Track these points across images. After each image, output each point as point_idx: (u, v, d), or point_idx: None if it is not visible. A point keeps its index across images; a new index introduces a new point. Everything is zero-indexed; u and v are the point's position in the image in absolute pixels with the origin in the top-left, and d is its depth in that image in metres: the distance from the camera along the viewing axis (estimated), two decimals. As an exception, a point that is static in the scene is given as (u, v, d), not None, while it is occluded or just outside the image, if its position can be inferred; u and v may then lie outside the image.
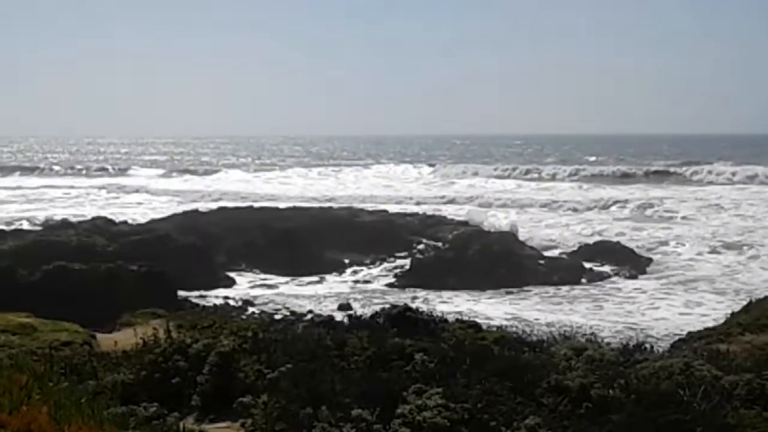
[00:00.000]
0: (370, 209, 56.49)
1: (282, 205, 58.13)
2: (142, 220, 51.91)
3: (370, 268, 40.78)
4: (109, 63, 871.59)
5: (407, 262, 40.32)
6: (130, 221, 48.39)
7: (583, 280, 36.82)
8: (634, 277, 37.36)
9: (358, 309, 28.66)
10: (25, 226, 51.34)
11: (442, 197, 72.50)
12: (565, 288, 35.34)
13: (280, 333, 13.13)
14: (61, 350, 13.15)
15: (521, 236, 45.69)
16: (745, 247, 42.97)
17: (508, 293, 34.62)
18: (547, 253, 42.11)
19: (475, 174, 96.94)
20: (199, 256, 37.44)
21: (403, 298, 31.86)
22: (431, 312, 16.04)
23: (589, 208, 62.63)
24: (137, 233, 39.57)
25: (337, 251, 41.89)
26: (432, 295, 34.42)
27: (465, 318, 19.05)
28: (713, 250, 42.73)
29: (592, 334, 15.32)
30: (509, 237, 44.18)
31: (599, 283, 36.43)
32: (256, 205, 59.19)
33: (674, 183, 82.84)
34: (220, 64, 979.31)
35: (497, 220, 51.88)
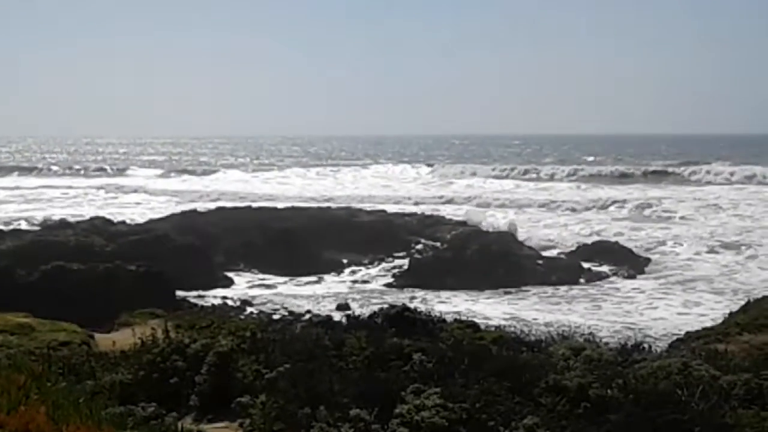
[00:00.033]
0: (368, 209, 56.47)
1: (280, 205, 58.10)
2: (141, 220, 51.90)
3: (368, 268, 40.79)
4: (108, 63, 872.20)
5: (405, 262, 40.33)
6: (128, 221, 48.33)
7: (582, 280, 36.84)
8: (632, 277, 37.38)
9: (357, 309, 28.67)
10: (24, 226, 51.27)
11: (441, 197, 72.50)
12: (563, 288, 35.36)
13: (279, 333, 13.14)
14: (59, 350, 13.16)
15: (520, 236, 45.72)
16: (743, 247, 43.00)
17: (506, 293, 34.63)
18: (545, 253, 42.12)
19: (474, 174, 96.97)
20: (197, 256, 37.44)
21: (401, 298, 31.86)
22: (429, 312, 16.05)
23: (588, 208, 62.66)
24: (135, 233, 39.55)
25: (336, 251, 41.90)
26: (430, 295, 34.42)
27: (463, 318, 19.08)
28: (711, 250, 42.75)
29: (591, 333, 15.36)
30: (507, 237, 44.19)
31: (597, 283, 36.45)
32: (255, 205, 59.17)
33: (672, 183, 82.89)
34: (220, 64, 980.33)
35: (496, 220, 51.91)
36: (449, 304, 32.42)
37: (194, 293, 33.56)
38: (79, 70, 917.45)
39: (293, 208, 55.66)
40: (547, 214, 60.54)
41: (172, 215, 51.41)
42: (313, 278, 38.44)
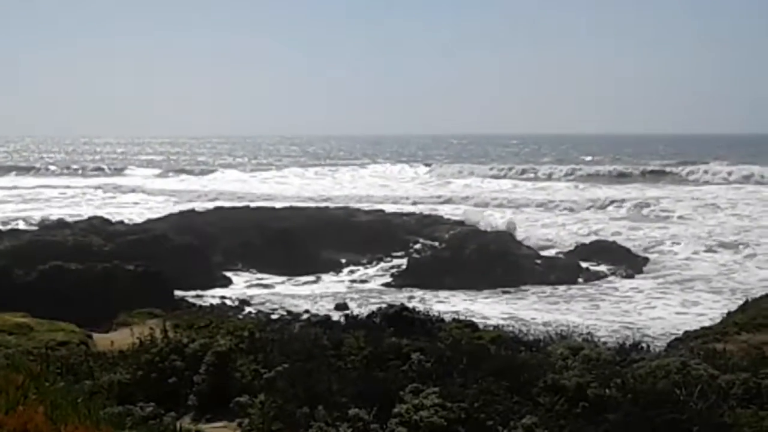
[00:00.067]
0: (366, 209, 56.48)
1: (278, 205, 58.09)
2: (139, 219, 51.88)
3: (366, 268, 40.79)
4: (108, 63, 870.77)
5: (404, 261, 40.34)
6: (126, 221, 48.30)
7: (580, 280, 36.85)
8: (630, 276, 37.40)
9: (355, 309, 28.70)
10: (21, 225, 51.28)
11: (439, 197, 72.49)
12: (561, 287, 35.37)
13: (277, 333, 13.15)
14: (57, 350, 13.15)
15: (518, 236, 45.74)
16: (741, 247, 43.02)
17: (504, 293, 34.64)
18: (543, 253, 42.12)
19: (471, 174, 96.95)
20: (195, 256, 37.43)
21: (399, 297, 31.86)
22: (428, 311, 16.06)
23: (586, 208, 62.70)
24: (134, 233, 39.53)
25: (334, 251, 41.90)
26: (429, 294, 34.43)
27: (462, 317, 19.08)
28: (709, 250, 42.78)
29: (589, 333, 15.36)
30: (506, 236, 44.20)
31: (596, 282, 36.46)
32: (253, 205, 59.15)
33: (670, 182, 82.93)
34: (220, 64, 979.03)
35: (494, 219, 51.91)
36: (447, 303, 32.42)
37: (192, 293, 33.55)
38: (79, 70, 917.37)
39: (291, 208, 55.66)
40: (545, 213, 60.57)
41: (170, 215, 51.39)
42: (312, 278, 38.44)
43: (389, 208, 59.53)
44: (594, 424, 8.31)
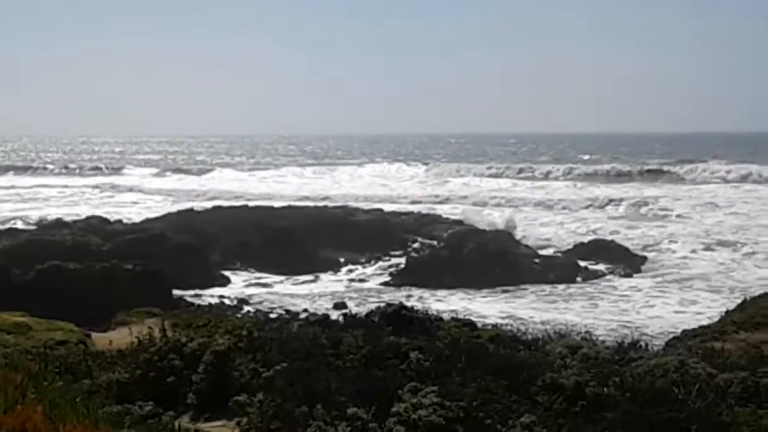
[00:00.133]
0: (365, 208, 56.49)
1: (277, 204, 58.05)
2: (137, 219, 51.83)
3: (365, 267, 40.79)
4: (108, 63, 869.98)
5: (402, 260, 40.35)
6: (124, 220, 48.30)
7: (578, 279, 36.86)
8: (629, 275, 37.41)
9: (353, 308, 28.68)
10: (19, 225, 51.25)
11: (437, 196, 72.50)
12: (560, 286, 35.37)
13: (276, 332, 13.14)
14: (56, 349, 13.15)
15: (516, 235, 45.75)
16: (739, 245, 43.07)
17: (503, 292, 34.64)
18: (542, 252, 42.13)
19: (470, 173, 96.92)
20: (194, 255, 37.41)
21: (398, 296, 31.84)
22: (426, 310, 16.08)
23: (584, 207, 62.72)
24: (132, 232, 39.51)
25: (332, 250, 41.89)
26: (427, 293, 34.44)
27: (460, 316, 19.10)
28: (708, 248, 42.82)
29: (587, 332, 15.37)
30: (504, 236, 44.20)
31: (594, 281, 36.47)
32: (251, 204, 59.14)
33: (669, 181, 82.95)
34: (220, 64, 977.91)
35: (493, 218, 51.92)
36: (446, 302, 32.42)
37: (191, 292, 33.54)
38: (78, 70, 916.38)
39: (290, 207, 55.64)
40: (543, 212, 60.59)
41: (169, 214, 51.38)
42: (310, 277, 38.43)
43: (388, 207, 59.48)
44: (592, 423, 8.31)
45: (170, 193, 79.88)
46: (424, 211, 56.30)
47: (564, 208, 62.67)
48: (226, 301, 33.15)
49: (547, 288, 35.13)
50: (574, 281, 36.48)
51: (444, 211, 58.72)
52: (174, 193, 79.66)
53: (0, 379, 6.40)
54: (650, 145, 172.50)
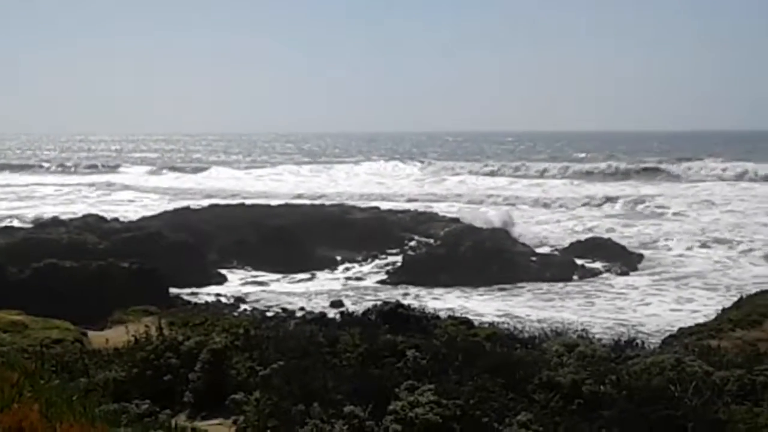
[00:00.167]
0: (361, 206, 56.46)
1: (274, 203, 58.03)
2: (133, 217, 51.75)
3: (361, 265, 40.79)
4: (107, 63, 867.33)
5: (399, 258, 40.37)
6: (121, 218, 48.23)
7: (575, 277, 36.91)
8: (625, 273, 37.46)
9: (350, 306, 28.71)
10: (16, 223, 51.18)
11: (434, 194, 72.53)
12: (557, 284, 35.40)
13: (272, 330, 13.13)
14: (52, 348, 13.12)
15: (513, 232, 45.77)
16: (735, 243, 43.14)
17: (500, 290, 34.67)
18: (538, 250, 42.19)
19: (467, 171, 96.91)
20: (190, 254, 37.39)
21: (395, 294, 31.87)
22: (423, 309, 16.08)
23: (581, 205, 62.80)
24: (128, 230, 39.48)
25: (329, 248, 41.90)
26: (424, 291, 34.46)
27: (457, 315, 19.12)
28: (704, 246, 42.90)
29: (584, 330, 15.36)
30: (501, 234, 44.25)
31: (591, 279, 36.52)
32: (248, 202, 59.15)
33: (665, 179, 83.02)
34: (220, 64, 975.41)
35: (489, 216, 51.92)
36: (443, 300, 32.45)
37: (188, 290, 33.54)
38: (78, 69, 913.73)
39: (286, 206, 55.63)
40: (540, 210, 60.67)
41: (165, 212, 51.37)
42: (307, 275, 38.43)
43: (384, 205, 59.49)
44: (589, 421, 8.32)
45: (167, 191, 79.88)
46: (421, 209, 56.26)
47: (561, 206, 62.75)
48: (223, 300, 33.15)
49: (544, 286, 35.16)
50: (570, 279, 36.52)
51: (441, 209, 58.65)
52: (170, 191, 79.63)
53: (-4, 377, 6.39)
54: (648, 144, 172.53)
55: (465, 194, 71.02)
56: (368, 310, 15.22)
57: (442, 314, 16.88)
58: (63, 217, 49.35)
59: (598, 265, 39.06)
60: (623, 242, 43.01)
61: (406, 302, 17.64)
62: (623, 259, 39.58)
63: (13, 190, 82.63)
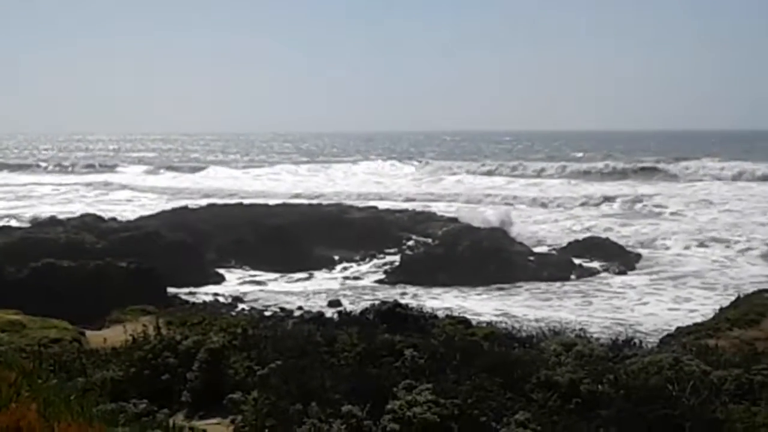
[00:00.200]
0: (359, 206, 56.45)
1: (271, 202, 58.02)
2: (131, 216, 51.71)
3: (359, 265, 40.79)
4: (107, 63, 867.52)
5: (397, 258, 40.37)
6: (118, 218, 48.20)
7: (573, 276, 36.92)
8: (623, 272, 37.48)
9: (348, 305, 28.70)
10: (13, 223, 51.12)
11: (432, 194, 72.50)
12: (554, 284, 35.43)
13: (270, 329, 13.12)
14: (50, 347, 13.10)
15: (511, 232, 45.78)
16: (733, 242, 43.19)
17: (497, 289, 34.69)
18: (536, 250, 42.21)
19: (464, 170, 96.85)
20: (188, 253, 37.38)
21: (392, 294, 31.92)
22: (421, 308, 16.06)
23: (579, 205, 62.79)
24: (126, 230, 39.46)
25: (327, 248, 41.90)
26: (422, 291, 34.47)
27: (455, 314, 19.10)
28: (702, 246, 42.93)
29: (582, 329, 15.37)
30: (499, 233, 44.26)
31: (588, 278, 36.55)
32: (246, 201, 59.10)
33: (663, 179, 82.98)
34: (220, 64, 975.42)
35: (487, 216, 51.92)
36: (441, 300, 32.45)
37: (185, 290, 33.54)
38: (77, 69, 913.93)
39: (284, 205, 55.62)
40: (537, 210, 60.66)
41: (163, 212, 51.35)
42: (305, 275, 38.43)
43: (382, 204, 59.49)
44: (587, 420, 8.32)
45: (164, 190, 79.80)
46: (419, 209, 56.31)
47: (558, 205, 62.75)
48: (221, 299, 33.15)
49: (542, 285, 35.18)
50: (568, 279, 36.54)
51: (438, 208, 58.67)
52: (168, 190, 79.56)
53: (-6, 377, 6.38)
54: (646, 143, 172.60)
55: (463, 194, 71.00)
56: (366, 309, 15.22)
57: (440, 314, 16.87)
58: (60, 216, 49.31)
59: (595, 264, 39.08)
60: (621, 242, 43.06)
61: (403, 302, 17.64)
62: (621, 259, 39.62)
63: (10, 189, 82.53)
